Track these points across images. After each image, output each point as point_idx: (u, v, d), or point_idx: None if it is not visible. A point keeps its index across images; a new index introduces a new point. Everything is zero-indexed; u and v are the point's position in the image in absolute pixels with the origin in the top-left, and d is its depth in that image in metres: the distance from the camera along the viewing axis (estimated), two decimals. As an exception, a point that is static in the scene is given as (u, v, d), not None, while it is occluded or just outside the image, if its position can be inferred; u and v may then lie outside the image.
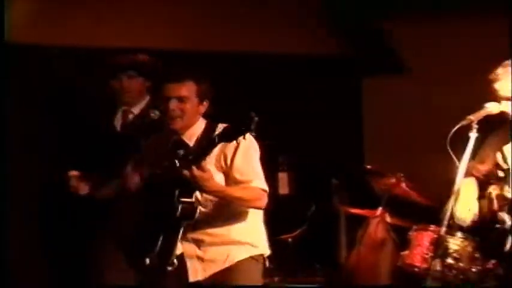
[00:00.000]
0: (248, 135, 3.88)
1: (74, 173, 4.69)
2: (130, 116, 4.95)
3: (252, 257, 4.31)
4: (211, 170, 4.12)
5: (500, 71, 4.36)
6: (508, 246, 4.33)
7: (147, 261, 4.32)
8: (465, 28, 6.48)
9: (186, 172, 3.99)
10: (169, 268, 4.21)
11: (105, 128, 5.01)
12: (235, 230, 4.30)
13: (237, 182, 4.19)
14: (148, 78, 4.94)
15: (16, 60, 5.33)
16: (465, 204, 4.43)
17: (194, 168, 3.98)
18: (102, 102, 5.19)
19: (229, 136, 3.94)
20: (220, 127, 4.21)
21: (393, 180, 5.63)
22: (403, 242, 5.35)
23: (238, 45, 6.42)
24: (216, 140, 3.96)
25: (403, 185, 5.63)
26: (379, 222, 5.71)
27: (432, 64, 6.67)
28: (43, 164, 5.40)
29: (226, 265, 4.30)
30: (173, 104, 4.13)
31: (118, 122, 4.99)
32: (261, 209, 4.33)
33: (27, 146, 5.45)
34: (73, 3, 5.83)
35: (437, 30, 6.66)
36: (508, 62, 4.38)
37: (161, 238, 4.17)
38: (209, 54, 6.05)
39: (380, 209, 5.71)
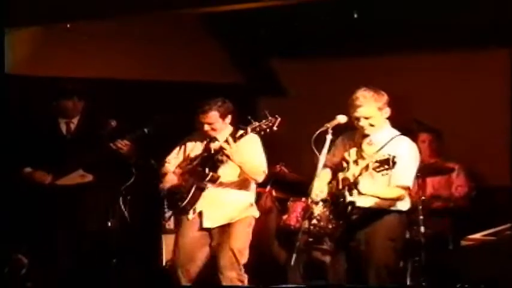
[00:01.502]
0: (255, 136, 5.21)
1: (28, 169, 5.71)
2: (72, 126, 5.93)
3: (247, 217, 5.51)
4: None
5: (354, 96, 4.89)
6: (348, 211, 4.95)
7: (109, 223, 5.60)
8: (336, 64, 7.41)
9: (225, 145, 5.18)
10: (191, 217, 5.44)
11: (55, 135, 5.92)
12: (240, 196, 5.47)
13: (249, 164, 5.35)
14: (84, 100, 5.93)
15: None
16: (318, 187, 4.96)
17: (232, 144, 5.18)
18: (48, 117, 5.97)
19: (258, 130, 5.15)
20: (240, 131, 5.31)
21: (277, 168, 6.74)
22: (283, 209, 6.53)
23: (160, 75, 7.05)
24: (249, 131, 5.16)
25: (283, 170, 6.77)
26: (267, 196, 6.75)
27: (311, 88, 7.60)
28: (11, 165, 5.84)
29: (232, 220, 5.45)
30: (206, 127, 5.39)
31: (63, 130, 5.94)
32: (258, 182, 5.51)
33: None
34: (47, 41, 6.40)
35: (317, 64, 7.54)
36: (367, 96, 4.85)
37: (190, 194, 5.37)
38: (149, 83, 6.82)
39: (268, 187, 6.76)
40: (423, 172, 5.75)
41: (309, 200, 4.99)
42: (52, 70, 6.39)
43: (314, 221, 5.48)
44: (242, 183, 5.48)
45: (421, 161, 5.13)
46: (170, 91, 6.66)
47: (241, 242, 5.48)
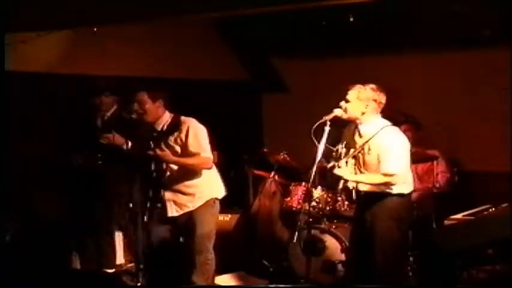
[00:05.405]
0: (195, 122, 5.29)
1: (76, 154, 6.18)
2: (106, 118, 6.37)
3: (208, 201, 5.53)
4: (173, 146, 5.32)
5: (350, 91, 5.09)
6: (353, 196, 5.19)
7: (130, 205, 5.77)
8: (333, 63, 7.75)
9: (151, 153, 5.26)
10: (159, 205, 5.52)
11: (92, 125, 6.37)
12: (197, 184, 5.51)
13: (191, 154, 5.36)
14: (117, 94, 6.33)
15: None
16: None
17: (157, 150, 5.25)
18: (88, 110, 6.39)
19: (172, 129, 5.27)
20: (182, 119, 5.34)
21: (280, 156, 6.95)
22: (286, 192, 6.72)
23: (181, 73, 7.43)
24: (168, 130, 5.26)
25: (285, 158, 6.93)
26: (272, 180, 7.02)
27: (312, 85, 8.00)
28: (59, 149, 6.36)
29: (192, 208, 5.51)
30: (135, 106, 5.40)
31: (99, 122, 6.38)
32: (208, 169, 5.46)
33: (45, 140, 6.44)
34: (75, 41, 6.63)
35: (317, 63, 7.90)
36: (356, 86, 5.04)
37: (152, 189, 5.47)
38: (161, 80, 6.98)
39: (273, 172, 7.04)
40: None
41: (309, 184, 5.18)
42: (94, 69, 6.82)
43: (313, 203, 6.19)
44: (195, 172, 5.46)
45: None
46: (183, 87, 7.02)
47: (207, 227, 5.47)
